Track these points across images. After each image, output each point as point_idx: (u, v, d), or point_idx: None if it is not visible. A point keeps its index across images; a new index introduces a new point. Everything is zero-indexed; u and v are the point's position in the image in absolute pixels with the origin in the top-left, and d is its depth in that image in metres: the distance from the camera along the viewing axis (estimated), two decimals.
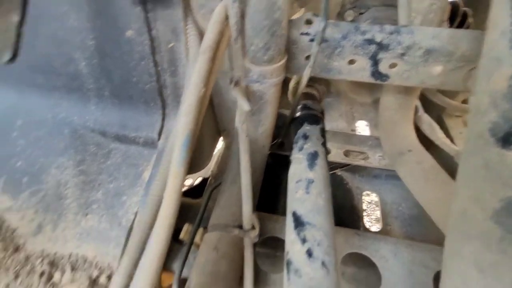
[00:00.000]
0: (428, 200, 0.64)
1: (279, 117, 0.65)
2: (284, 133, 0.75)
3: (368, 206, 1.89)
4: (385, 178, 0.96)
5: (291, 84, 0.81)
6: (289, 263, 0.42)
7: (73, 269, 0.55)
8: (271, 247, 0.68)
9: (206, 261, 0.49)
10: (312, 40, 0.52)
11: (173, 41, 0.55)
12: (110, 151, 0.66)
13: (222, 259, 0.49)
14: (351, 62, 0.54)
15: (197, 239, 0.59)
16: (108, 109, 0.66)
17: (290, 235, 0.45)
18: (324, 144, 0.59)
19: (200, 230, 0.60)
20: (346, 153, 0.96)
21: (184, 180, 0.37)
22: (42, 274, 0.54)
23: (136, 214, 0.59)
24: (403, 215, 0.86)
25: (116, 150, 0.66)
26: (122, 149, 0.66)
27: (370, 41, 0.50)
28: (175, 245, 0.61)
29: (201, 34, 0.54)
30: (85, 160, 0.65)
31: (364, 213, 0.95)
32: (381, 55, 0.51)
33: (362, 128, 1.84)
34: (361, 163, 0.93)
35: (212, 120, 0.79)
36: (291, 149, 0.93)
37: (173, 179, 0.36)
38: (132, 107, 0.65)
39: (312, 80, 0.77)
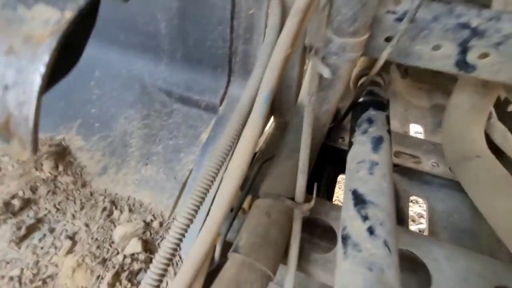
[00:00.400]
0: (495, 211, 0.59)
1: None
2: (341, 118, 0.73)
3: (414, 211, 1.79)
4: (437, 186, 0.90)
5: (355, 71, 0.79)
6: (346, 238, 0.41)
7: (130, 210, 0.60)
8: (308, 232, 0.67)
9: (257, 223, 0.50)
10: (397, 19, 0.49)
11: (254, 8, 0.55)
12: (172, 111, 0.70)
13: (273, 224, 0.49)
14: (436, 47, 0.51)
15: (244, 205, 0.61)
16: (177, 70, 0.70)
17: (348, 212, 0.44)
18: (389, 131, 0.56)
19: (248, 197, 0.61)
20: (397, 154, 0.91)
21: (261, 132, 0.37)
22: (104, 209, 0.59)
23: (191, 171, 0.62)
24: (453, 227, 0.80)
25: (178, 111, 0.70)
26: (183, 110, 0.70)
27: (464, 26, 0.46)
28: None
29: (282, 4, 0.54)
30: (150, 115, 0.69)
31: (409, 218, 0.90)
32: (473, 43, 0.48)
33: (416, 132, 1.74)
34: (412, 166, 0.88)
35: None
36: (337, 140, 0.92)
37: (251, 130, 0.37)
38: (199, 71, 0.67)
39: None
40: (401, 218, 0.86)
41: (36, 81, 0.25)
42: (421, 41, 0.51)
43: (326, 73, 0.42)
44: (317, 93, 0.57)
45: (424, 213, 1.88)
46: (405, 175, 0.95)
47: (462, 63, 0.51)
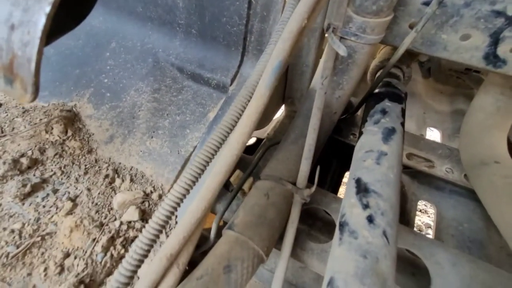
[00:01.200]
0: (509, 221, 0.55)
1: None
2: (354, 109, 0.71)
3: (422, 221, 1.74)
4: (449, 192, 0.86)
5: (374, 63, 0.76)
6: (343, 224, 0.39)
7: (132, 180, 0.60)
8: (306, 223, 0.66)
9: (255, 203, 0.49)
10: (425, 3, 0.46)
11: None
12: (183, 87, 0.70)
13: (271, 206, 0.48)
14: (464, 37, 0.47)
15: (245, 186, 0.60)
16: (190, 47, 0.69)
17: (349, 199, 0.42)
18: (403, 124, 0.53)
19: (250, 179, 0.60)
20: (409, 156, 0.88)
21: (266, 104, 0.36)
22: (106, 176, 0.60)
23: (195, 147, 0.61)
24: (462, 236, 0.76)
25: (188, 87, 0.69)
26: (194, 87, 0.69)
27: (499, 13, 0.43)
28: (221, 190, 0.62)
29: None
30: (160, 90, 0.69)
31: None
32: (506, 33, 0.44)
33: (433, 136, 1.67)
34: (424, 170, 0.84)
35: (281, 84, 0.78)
36: (348, 136, 0.89)
37: (256, 100, 0.36)
38: (213, 48, 0.66)
39: (398, 61, 0.70)
40: (407, 220, 0.83)
41: (41, 20, 0.25)
42: (448, 29, 0.48)
43: (342, 50, 0.40)
44: (331, 77, 0.55)
45: (432, 224, 1.82)
46: (416, 178, 0.91)
47: (491, 57, 0.47)
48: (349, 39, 0.47)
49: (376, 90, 0.61)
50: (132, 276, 0.30)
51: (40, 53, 0.26)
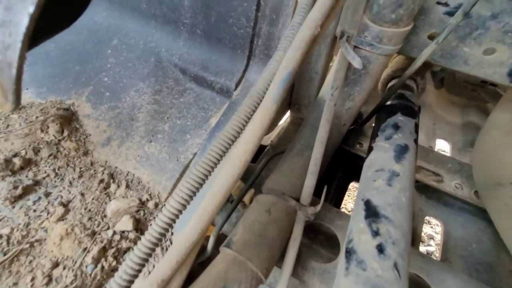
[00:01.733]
0: None
1: None
2: (364, 120, 0.67)
3: (424, 232, 1.71)
4: (458, 209, 0.82)
5: (386, 72, 0.72)
6: (351, 252, 0.36)
7: (128, 186, 0.57)
8: (309, 237, 0.63)
9: (255, 220, 0.46)
10: (448, 13, 0.43)
11: None
12: (185, 90, 0.67)
13: (272, 223, 0.45)
14: (489, 51, 0.44)
15: (246, 198, 0.57)
16: (195, 48, 0.66)
17: (358, 224, 0.39)
18: (416, 141, 0.50)
19: (251, 190, 0.57)
20: (417, 169, 0.84)
21: (272, 119, 0.33)
22: (101, 181, 0.57)
23: (195, 154, 0.59)
24: (470, 257, 0.73)
25: (190, 90, 0.66)
26: (196, 90, 0.66)
27: None
28: None
29: None
30: (161, 91, 0.66)
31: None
32: None
33: (441, 148, 1.63)
34: (432, 184, 0.81)
35: (288, 89, 0.75)
36: (354, 145, 0.85)
37: (262, 114, 0.33)
38: (218, 50, 0.63)
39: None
40: (413, 238, 0.79)
41: (24, 22, 0.22)
42: (471, 43, 0.44)
43: (357, 63, 0.37)
44: (341, 88, 0.52)
45: (434, 235, 1.78)
46: (423, 192, 0.87)
47: None
48: (363, 49, 0.43)
49: (388, 102, 0.57)
50: None
51: (22, 57, 0.23)
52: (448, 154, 1.04)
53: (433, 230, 1.74)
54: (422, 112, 1.13)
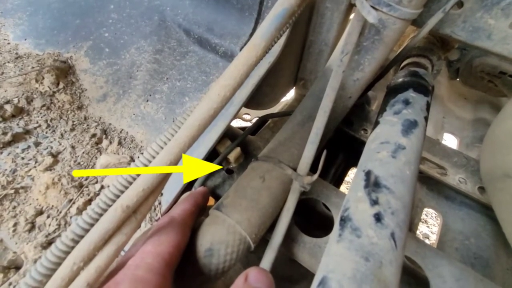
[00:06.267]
0: None
1: None
2: (367, 87, 0.64)
3: (420, 230, 1.69)
4: (459, 204, 0.80)
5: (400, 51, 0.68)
6: (346, 219, 0.34)
7: (120, 143, 0.55)
8: (303, 217, 0.61)
9: (248, 185, 0.44)
10: None
11: None
12: (187, 52, 0.64)
13: (265, 190, 0.43)
14: None
15: (231, 156, 0.54)
16: (201, 8, 0.63)
17: (356, 193, 0.36)
18: (426, 119, 0.47)
19: (237, 149, 0.55)
20: (422, 160, 0.81)
21: (259, 56, 0.30)
22: (93, 135, 0.56)
23: None
24: (467, 251, 0.71)
25: (193, 53, 0.63)
26: (199, 53, 0.63)
27: None
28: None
29: None
30: (163, 51, 0.63)
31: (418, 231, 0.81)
32: None
33: (449, 142, 1.60)
34: (436, 176, 0.78)
35: (296, 62, 0.71)
36: (359, 131, 0.83)
37: (249, 49, 0.30)
38: (225, 11, 0.60)
39: (429, 50, 0.63)
40: (410, 227, 0.77)
41: None
42: (498, 14, 0.41)
43: (372, 17, 0.34)
44: (351, 56, 0.48)
45: (430, 235, 1.77)
46: (425, 184, 0.85)
47: None
48: (380, 10, 0.40)
49: (400, 79, 0.54)
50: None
51: None
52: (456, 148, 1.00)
53: (429, 229, 1.73)
54: (433, 104, 1.09)
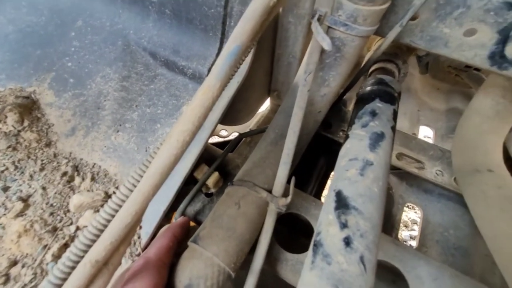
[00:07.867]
0: (497, 234, 0.52)
1: None
2: (337, 99, 0.65)
3: (408, 216, 1.73)
4: (438, 196, 0.82)
5: (369, 56, 0.69)
6: (318, 245, 0.35)
7: (93, 179, 0.54)
8: (289, 225, 0.62)
9: (224, 213, 0.44)
10: None
11: None
12: (156, 76, 0.62)
13: (241, 217, 0.43)
14: (469, 32, 0.41)
15: (209, 182, 0.54)
16: (164, 30, 0.62)
17: (327, 215, 0.37)
18: (393, 129, 0.48)
19: (215, 174, 0.55)
20: (399, 156, 0.83)
21: (215, 97, 0.30)
22: (64, 174, 0.54)
23: None
24: (447, 242, 0.74)
25: (161, 76, 0.62)
26: (168, 76, 0.62)
27: None
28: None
29: None
30: (130, 77, 0.62)
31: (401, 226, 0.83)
32: None
33: (425, 135, 1.64)
34: (414, 171, 0.80)
35: (267, 75, 0.71)
36: (337, 133, 0.84)
37: (204, 91, 0.29)
38: (189, 32, 0.59)
39: (394, 55, 0.64)
40: (392, 225, 0.80)
41: None
42: (452, 23, 0.42)
43: (326, 44, 0.34)
44: (316, 73, 0.49)
45: (418, 220, 1.83)
46: (404, 179, 0.87)
47: (497, 57, 0.42)
48: (337, 30, 0.40)
49: (368, 88, 0.55)
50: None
51: None
52: (431, 141, 1.03)
53: (417, 215, 1.78)
54: (407, 98, 1.12)
